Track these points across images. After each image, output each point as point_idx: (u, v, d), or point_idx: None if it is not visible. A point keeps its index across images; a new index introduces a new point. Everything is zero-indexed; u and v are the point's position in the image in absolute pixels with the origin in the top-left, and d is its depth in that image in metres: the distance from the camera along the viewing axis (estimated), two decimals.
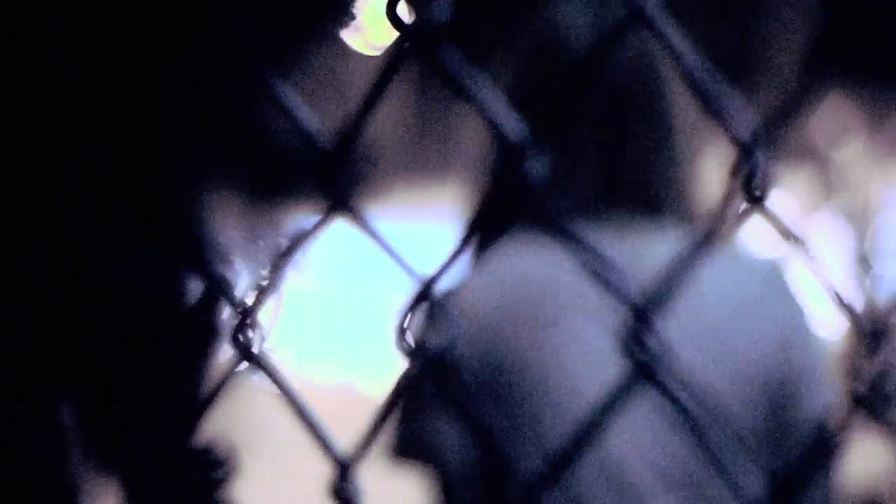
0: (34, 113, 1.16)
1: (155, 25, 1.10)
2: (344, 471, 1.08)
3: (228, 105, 1.20)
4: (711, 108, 0.84)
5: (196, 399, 1.26)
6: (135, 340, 1.26)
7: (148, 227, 1.22)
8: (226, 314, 1.21)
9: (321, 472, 1.27)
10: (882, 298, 7.77)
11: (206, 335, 1.23)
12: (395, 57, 0.85)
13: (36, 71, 1.14)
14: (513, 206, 1.49)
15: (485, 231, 1.56)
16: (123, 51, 1.14)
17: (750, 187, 0.94)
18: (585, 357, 1.41)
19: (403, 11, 0.98)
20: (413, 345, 1.37)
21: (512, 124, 0.83)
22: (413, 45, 0.82)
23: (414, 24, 0.86)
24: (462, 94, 0.79)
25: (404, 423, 1.48)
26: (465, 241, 1.54)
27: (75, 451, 1.42)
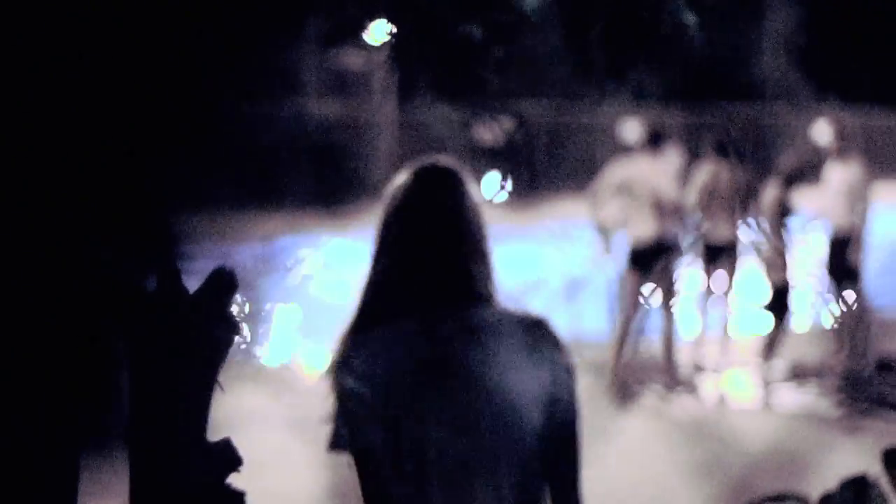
0: (29, 116, 1.19)
1: (145, 27, 1.15)
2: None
3: (225, 111, 1.27)
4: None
5: (208, 393, 1.29)
6: (144, 337, 1.30)
7: (149, 229, 1.27)
8: (234, 310, 1.27)
9: (318, 452, 1.33)
10: (861, 301, 7.85)
11: (221, 330, 1.26)
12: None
13: (28, 72, 1.17)
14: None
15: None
16: (115, 51, 1.18)
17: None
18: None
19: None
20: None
21: None
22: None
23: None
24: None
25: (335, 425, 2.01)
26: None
27: (81, 446, 1.45)
